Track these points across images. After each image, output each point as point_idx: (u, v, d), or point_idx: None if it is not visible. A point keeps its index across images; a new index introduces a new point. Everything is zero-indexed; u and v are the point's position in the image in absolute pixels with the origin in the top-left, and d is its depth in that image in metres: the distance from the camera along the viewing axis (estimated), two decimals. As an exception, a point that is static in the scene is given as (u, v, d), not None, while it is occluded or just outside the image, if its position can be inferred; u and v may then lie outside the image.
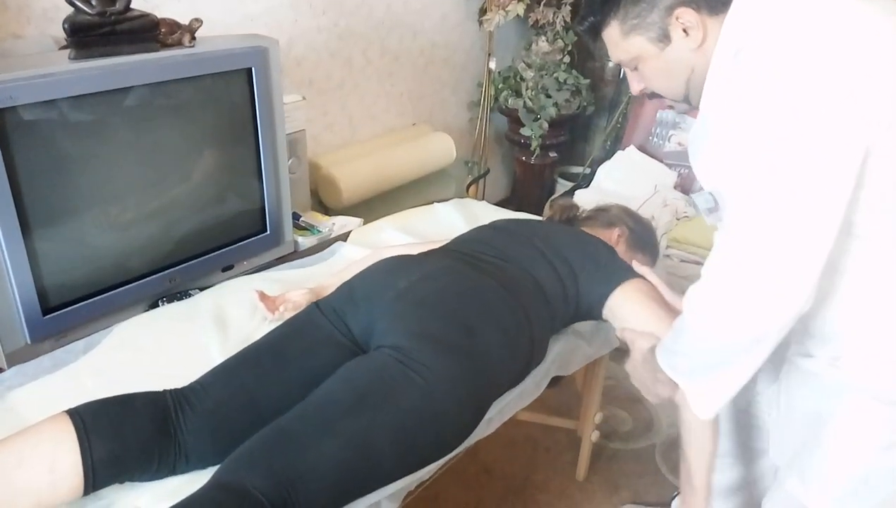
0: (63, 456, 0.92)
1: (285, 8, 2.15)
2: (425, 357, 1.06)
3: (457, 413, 1.09)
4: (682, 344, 1.04)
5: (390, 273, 1.25)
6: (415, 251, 1.43)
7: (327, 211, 2.26)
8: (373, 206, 2.35)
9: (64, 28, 1.30)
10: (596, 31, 1.07)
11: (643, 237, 1.58)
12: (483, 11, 2.73)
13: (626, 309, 1.27)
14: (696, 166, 1.07)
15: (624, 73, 2.95)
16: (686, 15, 0.97)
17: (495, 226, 1.54)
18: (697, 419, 1.08)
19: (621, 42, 1.04)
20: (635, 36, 1.02)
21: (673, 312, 1.20)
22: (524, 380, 1.29)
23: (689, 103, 1.07)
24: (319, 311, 1.22)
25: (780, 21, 0.91)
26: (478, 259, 1.35)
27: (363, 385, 1.04)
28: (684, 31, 0.98)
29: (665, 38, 1.01)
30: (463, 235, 1.51)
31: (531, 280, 1.31)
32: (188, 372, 1.16)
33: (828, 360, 1.03)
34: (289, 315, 1.34)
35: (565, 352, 1.45)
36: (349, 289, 1.25)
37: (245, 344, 1.24)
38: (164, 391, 1.08)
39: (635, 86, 1.12)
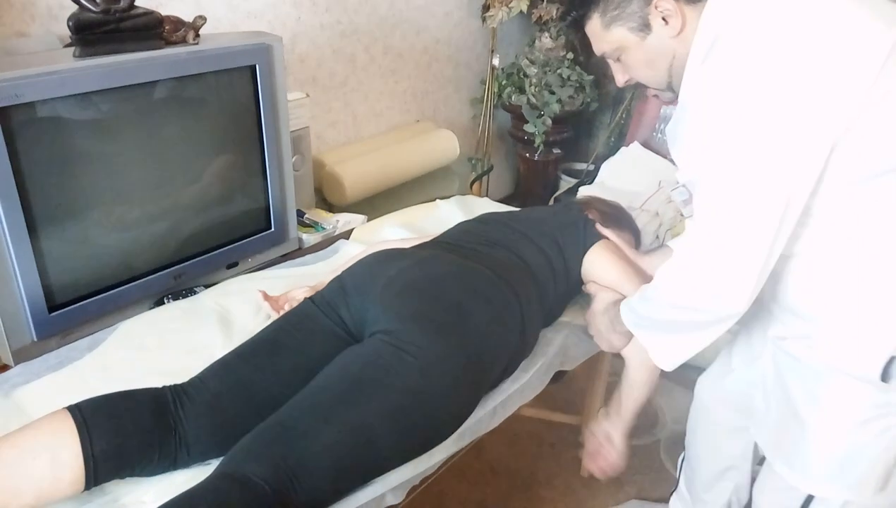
0: (64, 450, 0.93)
1: (288, 5, 2.15)
2: (416, 336, 1.08)
3: (452, 390, 1.09)
4: (648, 310, 1.12)
5: (379, 263, 1.27)
6: (407, 246, 1.45)
7: (331, 208, 2.26)
8: (376, 203, 2.35)
9: (69, 26, 1.30)
10: (579, 26, 1.10)
11: (615, 216, 1.60)
12: (486, 8, 2.73)
13: (596, 265, 1.40)
14: (675, 154, 1.10)
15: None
16: (664, 3, 1.00)
17: (479, 219, 1.58)
18: (640, 371, 1.30)
19: (603, 34, 1.07)
20: (616, 27, 1.05)
21: (637, 271, 1.37)
22: (529, 370, 1.29)
23: (672, 91, 1.09)
24: (313, 304, 1.23)
25: (757, 10, 0.92)
26: (462, 246, 1.39)
27: (358, 371, 1.05)
28: (664, 19, 1.01)
29: (645, 27, 1.03)
30: (450, 229, 1.53)
31: (516, 260, 1.35)
32: (192, 369, 1.16)
33: (803, 341, 1.05)
34: (288, 312, 1.34)
35: (568, 346, 1.45)
36: (340, 282, 1.27)
37: (250, 343, 1.25)
38: (164, 386, 1.08)
39: (620, 78, 1.14)
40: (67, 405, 0.99)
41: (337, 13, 2.31)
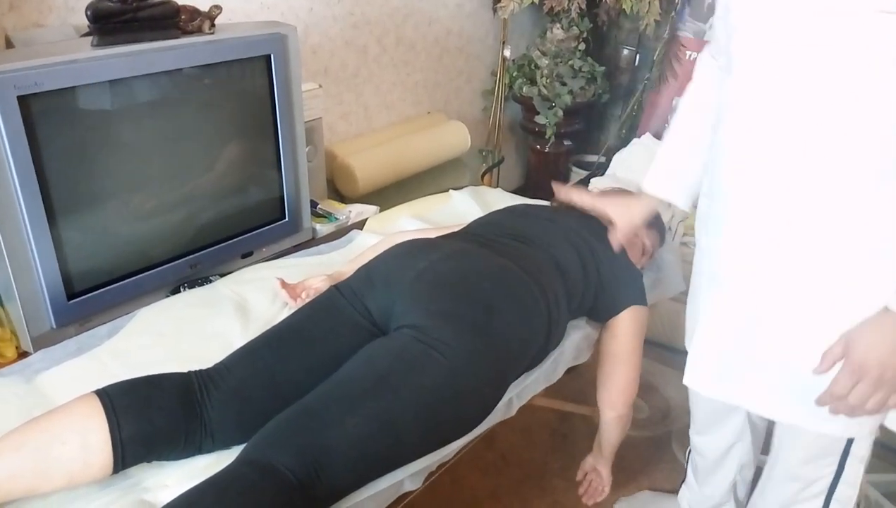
0: (93, 434, 0.94)
1: (301, -4, 2.15)
2: (445, 334, 1.08)
3: (478, 389, 1.10)
4: None
5: (408, 255, 1.26)
6: (427, 236, 1.44)
7: (343, 199, 2.27)
8: (388, 195, 2.35)
9: (87, 15, 1.31)
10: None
11: None
12: (497, -1, 2.73)
13: (621, 328, 1.42)
14: None
15: (639, 59, 2.95)
16: None
17: (511, 209, 1.56)
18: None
19: None
20: None
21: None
22: (544, 362, 1.30)
23: None
24: (339, 294, 1.23)
25: None
26: (494, 240, 1.37)
27: (385, 365, 1.05)
28: None
29: None
30: (479, 219, 1.53)
31: (550, 259, 1.33)
32: (210, 356, 1.17)
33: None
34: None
35: (579, 340, 1.46)
36: (367, 272, 1.26)
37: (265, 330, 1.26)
38: (190, 372, 1.09)
39: None
40: (95, 389, 0.99)
41: (349, 4, 2.31)
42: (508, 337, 1.15)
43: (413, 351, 1.06)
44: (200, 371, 1.10)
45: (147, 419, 0.98)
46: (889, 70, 0.87)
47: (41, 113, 1.23)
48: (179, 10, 1.42)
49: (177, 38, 1.41)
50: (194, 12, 1.44)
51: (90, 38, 1.40)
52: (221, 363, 1.12)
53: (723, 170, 1.08)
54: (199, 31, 1.44)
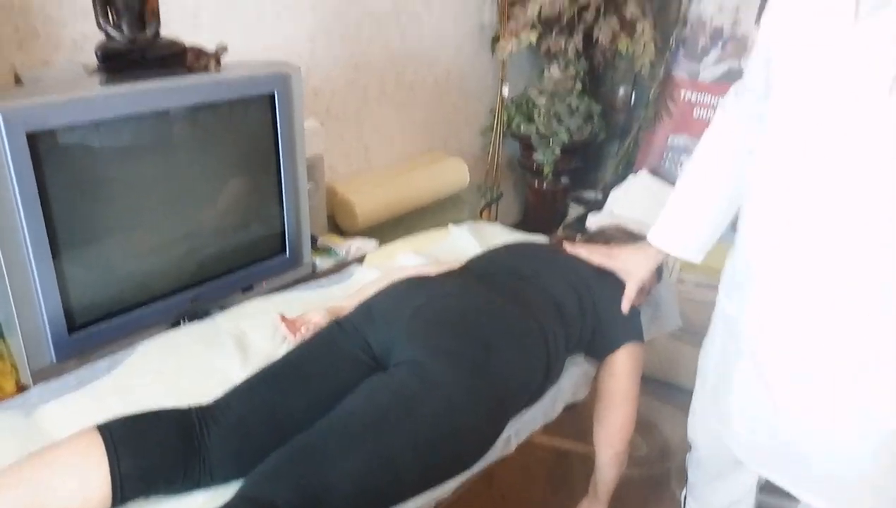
0: (93, 470, 0.94)
1: (304, 39, 2.20)
2: (443, 371, 1.08)
3: (476, 426, 1.10)
4: None
5: (408, 291, 1.28)
6: (427, 272, 1.46)
7: (343, 234, 2.29)
8: (387, 230, 2.37)
9: (96, 54, 1.35)
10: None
11: None
12: (496, 40, 2.79)
13: (619, 366, 1.41)
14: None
15: (635, 98, 3.01)
16: None
17: (510, 247, 1.58)
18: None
19: None
20: None
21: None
22: (542, 398, 1.30)
23: None
24: (340, 329, 1.24)
25: None
26: (493, 277, 1.39)
27: (385, 401, 1.05)
28: None
29: None
30: (478, 256, 1.54)
31: (548, 297, 1.34)
32: (209, 392, 1.17)
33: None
34: (309, 335, 1.35)
35: (577, 377, 1.46)
36: (368, 308, 1.27)
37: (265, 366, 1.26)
38: (190, 408, 1.09)
39: None
40: (97, 424, 1.00)
41: (351, 46, 2.36)
42: (507, 374, 1.16)
43: (412, 388, 1.06)
44: (200, 406, 1.10)
45: (146, 454, 0.98)
46: None
47: (48, 149, 1.26)
48: (186, 50, 1.46)
49: (183, 76, 1.45)
50: (201, 52, 1.47)
51: (98, 76, 1.43)
52: (221, 399, 1.12)
53: (757, 242, 1.08)
54: (205, 70, 1.47)
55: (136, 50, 1.36)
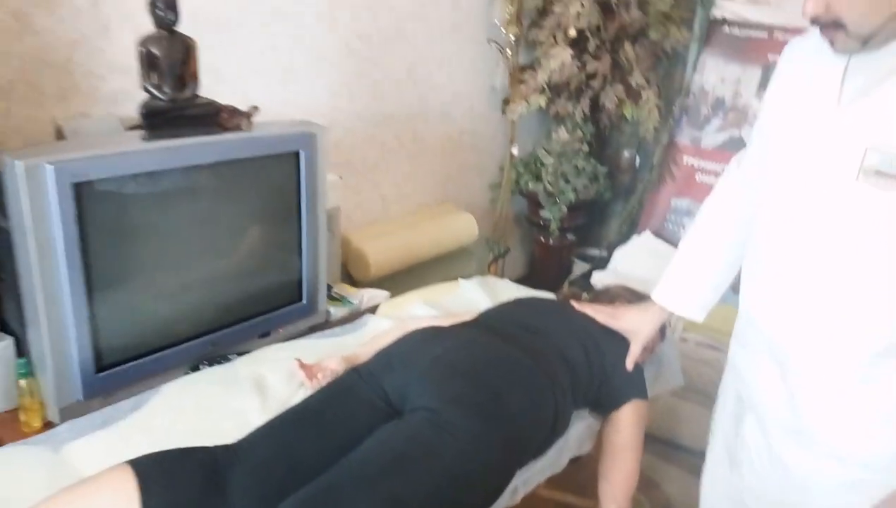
0: (124, 503, 0.99)
1: (327, 95, 2.32)
2: (456, 419, 1.14)
3: (487, 472, 1.16)
4: None
5: (425, 342, 1.35)
6: (440, 323, 1.53)
7: (354, 283, 2.36)
8: (398, 280, 2.45)
9: (140, 112, 1.45)
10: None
11: None
12: (507, 102, 2.92)
13: (623, 421, 1.46)
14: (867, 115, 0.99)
15: (639, 160, 3.12)
16: None
17: (520, 302, 1.66)
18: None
19: None
20: None
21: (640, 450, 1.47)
22: (549, 450, 1.35)
23: (862, 42, 0.95)
24: (358, 376, 1.31)
25: None
26: (504, 331, 1.46)
27: (400, 446, 1.11)
28: None
29: None
30: (490, 309, 1.62)
31: (557, 352, 1.41)
32: (230, 432, 1.23)
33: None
34: (325, 382, 1.41)
35: (582, 430, 1.51)
36: (387, 356, 1.34)
37: (283, 409, 1.32)
38: (215, 447, 1.15)
39: (812, 7, 0.95)
40: (128, 460, 1.05)
41: (371, 103, 2.48)
42: (517, 424, 1.21)
43: (427, 435, 1.12)
44: (224, 446, 1.16)
45: (175, 490, 1.03)
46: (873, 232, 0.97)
47: (91, 198, 1.34)
48: (221, 109, 1.56)
49: (218, 134, 1.54)
50: (234, 111, 1.58)
51: (138, 131, 1.52)
52: (245, 439, 1.18)
53: (754, 299, 1.17)
54: (237, 128, 1.57)
55: (176, 108, 1.46)
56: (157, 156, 1.42)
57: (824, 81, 1.02)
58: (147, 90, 1.44)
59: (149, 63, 1.42)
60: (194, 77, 1.49)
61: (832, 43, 0.98)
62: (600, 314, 1.53)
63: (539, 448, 1.31)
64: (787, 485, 1.14)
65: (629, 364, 1.46)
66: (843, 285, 1.01)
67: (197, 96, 1.52)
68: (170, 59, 1.43)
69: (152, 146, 1.43)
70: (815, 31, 1.03)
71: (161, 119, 1.45)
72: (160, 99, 1.45)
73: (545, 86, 2.73)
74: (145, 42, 1.42)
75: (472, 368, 1.26)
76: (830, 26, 0.96)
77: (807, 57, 1.07)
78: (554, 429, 1.32)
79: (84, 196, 1.33)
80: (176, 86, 1.45)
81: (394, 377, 1.28)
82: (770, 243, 1.11)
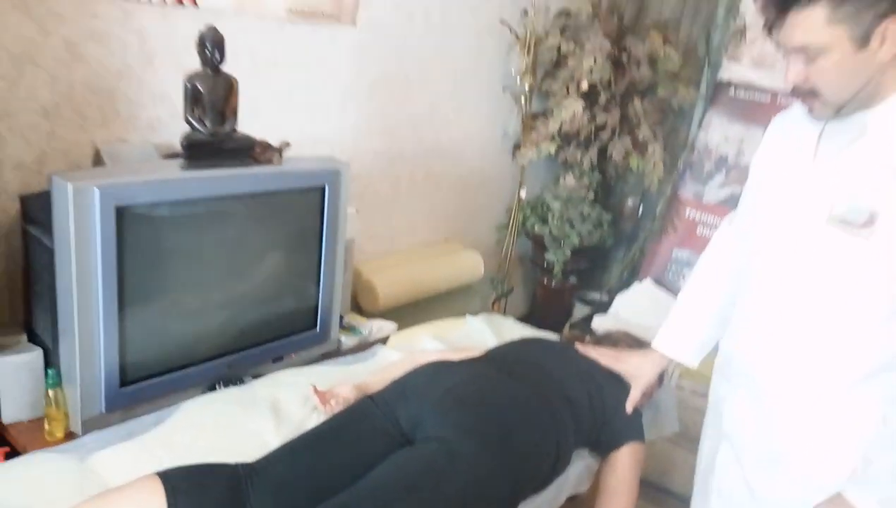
0: None
1: (348, 132, 2.43)
2: (469, 449, 1.22)
3: (492, 503, 1.22)
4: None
5: (438, 374, 1.43)
6: (448, 357, 1.60)
7: (362, 313, 2.43)
8: (405, 313, 2.52)
9: (182, 143, 1.54)
10: (786, 5, 1.02)
11: None
12: (517, 147, 3.03)
13: (621, 463, 1.51)
14: (836, 172, 1.11)
15: (643, 210, 3.23)
16: (894, 26, 0.99)
17: (527, 341, 1.74)
18: None
19: (822, 27, 1.01)
20: (839, 27, 1.00)
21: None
22: (549, 487, 1.41)
23: (835, 110, 1.07)
24: (373, 404, 1.38)
25: None
26: (512, 367, 1.55)
27: (415, 471, 1.18)
28: (882, 40, 1.00)
29: (864, 39, 1.00)
30: (499, 346, 1.70)
31: (561, 392, 1.49)
32: (247, 451, 1.29)
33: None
34: (338, 408, 1.48)
35: (581, 469, 1.58)
36: (401, 386, 1.42)
37: (297, 431, 1.39)
38: (237, 464, 1.21)
39: (794, 76, 1.06)
40: (157, 472, 1.11)
41: (389, 141, 2.59)
42: (523, 456, 1.28)
43: (440, 463, 1.19)
44: (245, 464, 1.22)
45: (201, 503, 1.09)
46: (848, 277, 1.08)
47: (130, 220, 1.43)
48: (255, 143, 1.65)
49: (251, 166, 1.64)
50: (267, 146, 1.67)
51: (177, 159, 1.62)
52: (265, 458, 1.24)
53: (737, 336, 1.27)
54: (269, 162, 1.67)
55: (216, 141, 1.56)
56: (195, 184, 1.51)
57: (803, 143, 1.15)
58: (189, 122, 1.54)
59: (193, 98, 1.52)
60: (234, 113, 1.59)
61: (810, 110, 1.11)
62: (604, 356, 1.61)
63: (541, 482, 1.38)
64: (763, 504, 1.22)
65: (629, 407, 1.53)
66: (816, 321, 1.12)
67: (235, 131, 1.62)
68: (213, 95, 1.53)
69: (190, 175, 1.52)
70: (798, 105, 1.18)
71: (201, 150, 1.54)
72: (201, 132, 1.54)
73: (556, 135, 2.85)
74: (192, 78, 1.52)
75: (482, 402, 1.34)
76: (808, 95, 1.08)
77: (789, 126, 1.21)
78: (555, 466, 1.39)
79: (125, 218, 1.41)
80: (216, 120, 1.55)
81: (408, 406, 1.35)
82: (753, 284, 1.22)
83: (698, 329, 1.45)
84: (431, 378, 1.41)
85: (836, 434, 1.13)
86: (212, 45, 1.51)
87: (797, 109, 1.20)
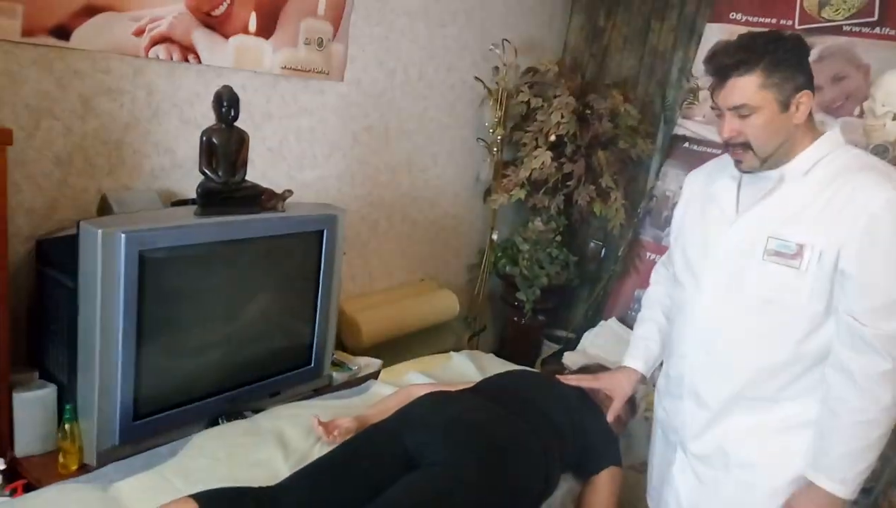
0: None
1: (333, 179, 2.57)
2: (472, 473, 1.35)
3: None
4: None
5: (440, 404, 1.57)
6: (444, 388, 1.73)
7: (346, 350, 2.54)
8: (386, 349, 2.64)
9: (197, 191, 1.66)
10: (728, 72, 1.24)
11: None
12: (489, 193, 3.22)
13: (601, 484, 1.65)
14: (764, 211, 1.34)
15: (604, 253, 3.44)
16: (807, 97, 1.25)
17: (512, 374, 1.90)
18: None
19: (755, 90, 1.23)
20: (770, 92, 1.23)
21: None
22: None
23: (761, 161, 1.29)
24: (378, 431, 1.50)
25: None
26: (501, 398, 1.69)
27: (423, 494, 1.31)
28: (798, 106, 1.24)
29: (786, 105, 1.24)
30: (487, 379, 1.85)
31: (547, 420, 1.64)
32: (259, 479, 1.40)
33: None
34: (341, 438, 1.60)
35: (564, 493, 1.72)
36: (405, 415, 1.55)
37: (303, 460, 1.51)
38: (260, 487, 1.31)
39: (730, 131, 1.28)
40: (191, 494, 1.21)
41: (369, 187, 2.75)
42: (517, 479, 1.42)
43: (447, 485, 1.32)
44: (263, 487, 1.33)
45: (234, 520, 1.19)
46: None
47: (149, 264, 1.54)
48: (262, 191, 1.79)
49: (258, 213, 1.77)
50: (273, 194, 1.80)
51: (187, 206, 1.74)
52: (283, 483, 1.35)
53: (671, 361, 1.49)
54: (274, 208, 1.80)
55: (227, 190, 1.68)
56: (210, 230, 1.63)
57: (723, 196, 1.38)
58: (203, 173, 1.66)
59: (208, 150, 1.65)
60: (244, 164, 1.72)
61: (739, 162, 1.32)
62: (584, 381, 1.77)
63: (532, 503, 1.51)
64: (718, 503, 1.39)
65: (610, 417, 1.68)
66: (753, 337, 1.32)
67: (245, 180, 1.74)
68: (226, 148, 1.66)
69: (206, 222, 1.64)
70: (707, 164, 1.50)
71: (214, 198, 1.66)
72: (215, 181, 1.67)
73: (525, 182, 3.04)
74: (208, 132, 1.65)
75: (482, 429, 1.48)
76: (740, 147, 1.29)
77: (704, 182, 1.47)
78: (546, 487, 1.53)
79: (147, 262, 1.52)
80: (229, 171, 1.67)
81: (414, 433, 1.48)
82: (696, 310, 1.41)
83: (651, 347, 1.66)
84: (435, 407, 1.55)
85: (773, 426, 1.32)
86: (227, 103, 1.65)
87: (707, 169, 1.48)
